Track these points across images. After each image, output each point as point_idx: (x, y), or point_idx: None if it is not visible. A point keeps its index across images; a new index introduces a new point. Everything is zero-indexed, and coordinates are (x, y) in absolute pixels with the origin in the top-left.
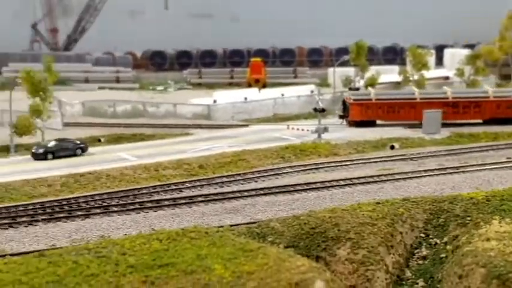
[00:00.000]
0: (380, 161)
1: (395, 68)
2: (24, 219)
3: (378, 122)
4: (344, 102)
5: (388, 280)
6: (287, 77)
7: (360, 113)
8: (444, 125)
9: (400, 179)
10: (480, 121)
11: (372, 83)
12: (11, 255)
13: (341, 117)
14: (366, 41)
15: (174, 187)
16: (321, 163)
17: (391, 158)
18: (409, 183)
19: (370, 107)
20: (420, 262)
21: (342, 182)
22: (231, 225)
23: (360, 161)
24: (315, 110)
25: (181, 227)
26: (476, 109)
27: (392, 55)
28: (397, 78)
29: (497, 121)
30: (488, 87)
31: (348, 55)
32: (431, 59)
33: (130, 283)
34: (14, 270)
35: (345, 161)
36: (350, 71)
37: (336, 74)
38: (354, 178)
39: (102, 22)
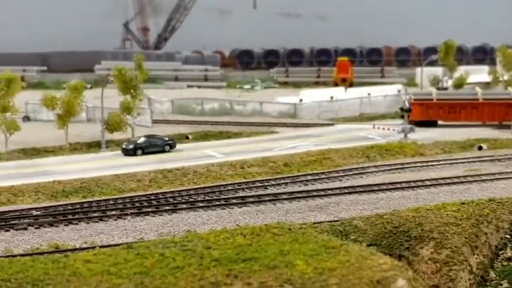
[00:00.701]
0: (467, 162)
1: (485, 68)
2: (113, 213)
3: (462, 123)
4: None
5: (472, 281)
6: (374, 77)
7: (421, 113)
8: None
9: (487, 180)
10: None
11: (460, 83)
12: (101, 247)
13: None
14: (455, 41)
15: (259, 184)
16: (406, 163)
17: (479, 159)
18: (496, 184)
19: (431, 107)
20: (505, 263)
21: (427, 182)
22: (314, 223)
23: (447, 162)
24: (402, 109)
25: (265, 223)
26: None
27: (482, 55)
28: (487, 78)
29: None
30: None
31: (436, 55)
32: None
33: (214, 276)
34: (103, 261)
35: (431, 161)
36: (438, 70)
37: (424, 73)
38: (440, 178)
39: (191, 21)
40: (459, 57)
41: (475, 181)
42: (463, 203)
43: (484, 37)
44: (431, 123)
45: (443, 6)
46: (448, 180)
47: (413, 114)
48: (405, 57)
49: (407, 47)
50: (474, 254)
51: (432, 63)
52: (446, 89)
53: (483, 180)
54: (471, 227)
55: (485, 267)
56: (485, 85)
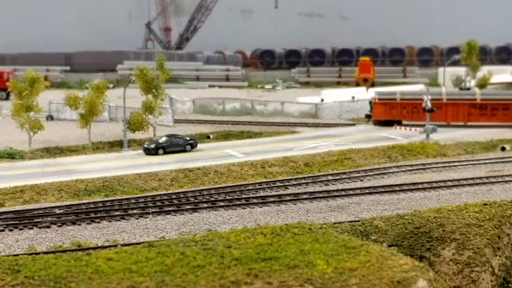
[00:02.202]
0: (489, 163)
1: (509, 68)
2: (135, 211)
3: (480, 124)
4: (370, 102)
5: (494, 282)
6: (396, 77)
7: (384, 113)
8: None
9: (509, 181)
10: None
11: (483, 83)
12: (122, 245)
13: (367, 116)
14: (478, 41)
15: (280, 184)
16: (428, 163)
17: (502, 160)
18: None
19: (394, 107)
20: None
21: (449, 183)
22: (335, 223)
23: (469, 162)
24: (424, 109)
25: (285, 223)
26: (505, 112)
27: (506, 55)
28: (510, 78)
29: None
30: None
31: (459, 54)
32: None
33: (234, 275)
34: (125, 259)
35: (453, 161)
36: (461, 70)
37: (446, 73)
38: (462, 179)
39: (213, 21)
40: (482, 57)
41: (497, 182)
42: (486, 204)
43: (507, 37)
44: (396, 123)
45: (466, 6)
46: (470, 181)
47: (377, 114)
48: (428, 57)
49: (429, 47)
50: (496, 256)
51: (455, 63)
52: (469, 89)
53: (506, 181)
54: (493, 228)
55: (507, 268)
56: (509, 85)
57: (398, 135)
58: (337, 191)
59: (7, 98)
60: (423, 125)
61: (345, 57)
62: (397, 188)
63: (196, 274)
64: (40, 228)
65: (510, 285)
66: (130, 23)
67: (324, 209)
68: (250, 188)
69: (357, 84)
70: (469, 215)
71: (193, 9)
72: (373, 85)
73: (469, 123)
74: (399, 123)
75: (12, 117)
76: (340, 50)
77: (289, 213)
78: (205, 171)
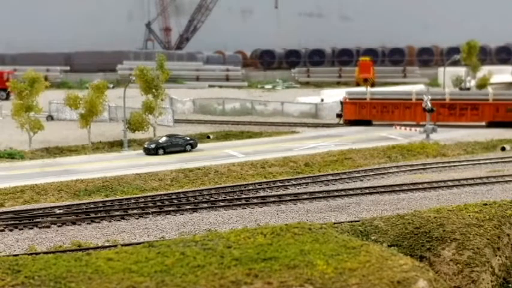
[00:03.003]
0: (490, 163)
1: (509, 68)
2: (135, 211)
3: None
4: (341, 102)
5: (494, 282)
6: (396, 77)
7: (354, 112)
8: None
9: (510, 181)
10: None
11: (483, 83)
12: (122, 245)
13: (338, 116)
14: (478, 41)
15: (280, 184)
16: (428, 163)
17: (502, 160)
18: None
19: (364, 107)
20: None
21: (449, 183)
22: (335, 223)
23: (469, 162)
24: (424, 109)
25: (285, 223)
26: (474, 112)
27: (506, 55)
28: (510, 78)
29: (495, 125)
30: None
31: (459, 54)
32: None
33: (234, 275)
34: (125, 259)
35: (453, 161)
36: (461, 70)
37: (447, 73)
38: (462, 179)
39: (213, 21)
40: (482, 57)
41: (497, 182)
42: (486, 204)
43: (507, 37)
44: (365, 123)
45: (466, 6)
46: (470, 181)
47: (347, 113)
48: (428, 57)
49: (429, 47)
50: (496, 256)
51: (455, 63)
52: (469, 89)
53: (506, 181)
54: (493, 228)
55: (507, 268)
56: (509, 85)
57: (398, 135)
58: (337, 191)
59: (7, 98)
60: (391, 125)
61: (345, 57)
62: (397, 188)
63: (196, 274)
64: (40, 228)
65: (510, 285)
66: (130, 23)
67: (324, 209)
68: (250, 188)
69: (357, 84)
70: (469, 215)
71: (193, 9)
72: (373, 85)
73: (438, 123)
74: (369, 123)
75: (12, 117)
76: (340, 50)
77: (289, 213)
78: (205, 171)
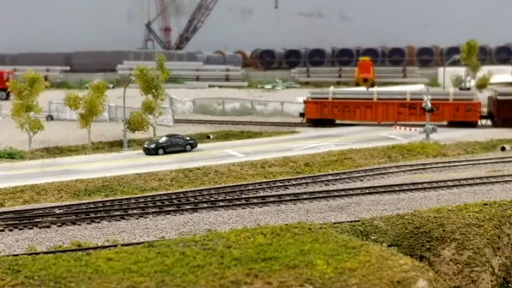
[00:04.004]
0: (489, 163)
1: (509, 68)
2: (135, 211)
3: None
4: (305, 101)
5: (494, 282)
6: (396, 77)
7: (316, 112)
8: None
9: (509, 181)
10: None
11: (483, 83)
12: (122, 245)
13: (301, 115)
14: (478, 41)
15: (280, 184)
16: (428, 163)
17: (502, 160)
18: None
19: (326, 106)
20: None
21: (449, 183)
22: (335, 223)
23: (469, 162)
24: (424, 109)
25: (285, 223)
26: (435, 111)
27: (506, 55)
28: (510, 78)
29: (456, 124)
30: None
31: (459, 54)
32: None
33: (234, 275)
34: (125, 259)
35: (453, 161)
36: (461, 70)
37: (446, 73)
38: (462, 179)
39: (212, 21)
40: (482, 57)
41: (497, 182)
42: (486, 204)
43: (507, 37)
44: (328, 122)
45: (467, 6)
46: (470, 181)
47: (309, 113)
48: (428, 57)
49: (429, 47)
50: (496, 256)
51: (455, 63)
52: (469, 89)
53: (506, 181)
54: (493, 228)
55: (507, 268)
56: (509, 85)
57: (398, 135)
58: (337, 191)
59: (7, 98)
60: (357, 124)
61: (344, 57)
62: (397, 188)
63: (196, 274)
64: (40, 228)
65: (510, 285)
66: (130, 23)
67: (323, 208)
68: (250, 188)
69: (357, 84)
70: (469, 215)
71: (193, 9)
72: (373, 85)
73: (398, 123)
74: (331, 122)
75: (12, 117)
76: (340, 50)
77: (289, 213)
78: (205, 171)
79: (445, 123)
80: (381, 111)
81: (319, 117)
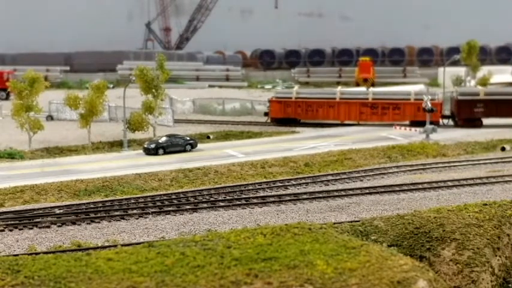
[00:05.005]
0: (489, 163)
1: (509, 68)
2: (135, 211)
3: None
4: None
5: (494, 282)
6: (396, 77)
7: (280, 111)
8: None
9: (509, 181)
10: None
11: (483, 83)
12: (122, 245)
13: (266, 114)
14: (478, 41)
15: (280, 184)
16: (428, 163)
17: (502, 160)
18: None
19: (289, 105)
20: None
21: (449, 183)
22: (335, 223)
23: (469, 162)
24: (424, 109)
25: (285, 223)
26: (396, 111)
27: (506, 55)
28: (510, 78)
29: (417, 124)
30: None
31: (459, 54)
32: None
33: (234, 275)
34: (125, 259)
35: (453, 161)
36: (461, 70)
37: (447, 73)
38: (462, 179)
39: (213, 21)
40: (482, 57)
41: (497, 182)
42: (485, 204)
43: (507, 37)
44: (292, 121)
45: (466, 6)
46: (470, 181)
47: (273, 112)
48: (428, 57)
49: (429, 47)
50: (496, 256)
51: (455, 63)
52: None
53: (506, 181)
54: (493, 228)
55: (507, 269)
56: (509, 85)
57: (398, 135)
58: (337, 191)
59: (7, 98)
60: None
61: (345, 57)
62: (397, 188)
63: (196, 274)
64: (40, 228)
65: (510, 285)
66: (130, 23)
67: (323, 209)
68: (250, 188)
69: (357, 84)
70: (469, 215)
71: (193, 9)
72: (373, 85)
73: (361, 122)
74: (295, 121)
75: (12, 117)
76: (340, 50)
77: (289, 213)
78: (205, 171)
79: (407, 122)
80: (343, 110)
81: (283, 116)
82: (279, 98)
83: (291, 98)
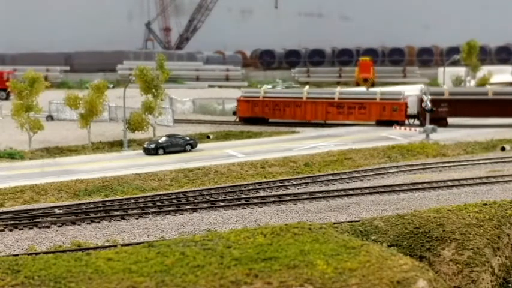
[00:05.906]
0: (489, 163)
1: (509, 68)
2: (135, 211)
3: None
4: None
5: (494, 282)
6: (396, 77)
7: (247, 110)
8: None
9: (509, 181)
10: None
11: (483, 83)
12: (122, 245)
13: (234, 113)
14: (478, 41)
15: (280, 184)
16: (428, 163)
17: (502, 160)
18: None
19: (257, 104)
20: None
21: (449, 183)
22: (335, 223)
23: (469, 162)
24: (424, 109)
25: (285, 223)
26: (362, 110)
27: (506, 55)
28: (510, 78)
29: (383, 123)
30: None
31: (459, 54)
32: None
33: (234, 275)
34: (125, 259)
35: (453, 161)
36: (461, 70)
37: (447, 73)
38: (462, 179)
39: (213, 21)
40: (482, 57)
41: (497, 182)
42: (485, 204)
43: (507, 37)
44: (261, 120)
45: (466, 6)
46: (470, 181)
47: (241, 111)
48: (428, 57)
49: (429, 47)
50: (496, 256)
51: (455, 63)
52: None
53: (506, 181)
54: (493, 228)
55: (507, 268)
56: (509, 85)
57: (398, 135)
58: (337, 191)
59: (7, 98)
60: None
61: (344, 57)
62: (397, 188)
63: (196, 274)
64: (40, 228)
65: (510, 285)
66: (130, 23)
67: (323, 209)
68: (250, 188)
69: (357, 84)
70: (469, 215)
71: (193, 9)
72: (373, 85)
73: (328, 122)
74: (263, 120)
75: (12, 117)
76: (340, 50)
77: (289, 213)
78: (205, 171)
79: (372, 122)
80: (309, 110)
81: (251, 115)
82: (247, 98)
83: (258, 97)
